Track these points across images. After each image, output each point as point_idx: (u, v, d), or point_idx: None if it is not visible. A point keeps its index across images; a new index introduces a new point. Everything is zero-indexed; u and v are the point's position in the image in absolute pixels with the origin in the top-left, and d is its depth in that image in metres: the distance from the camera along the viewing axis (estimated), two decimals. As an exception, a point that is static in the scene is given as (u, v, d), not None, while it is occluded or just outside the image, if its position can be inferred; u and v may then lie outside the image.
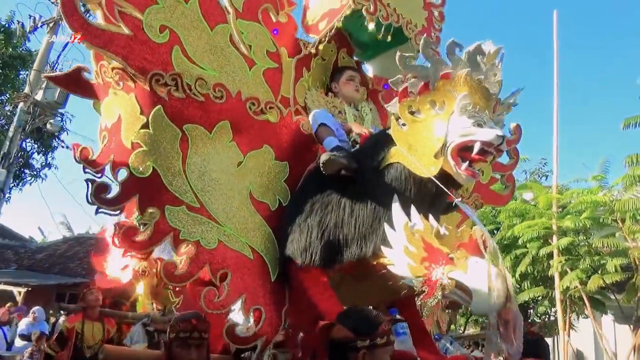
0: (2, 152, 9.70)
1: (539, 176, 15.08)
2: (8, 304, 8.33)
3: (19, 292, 10.41)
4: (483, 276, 2.01)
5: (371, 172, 2.42)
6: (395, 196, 2.30)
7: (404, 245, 2.19)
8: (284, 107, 2.67)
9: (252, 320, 2.41)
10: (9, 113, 12.34)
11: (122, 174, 2.29)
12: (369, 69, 3.44)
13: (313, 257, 2.40)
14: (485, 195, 3.41)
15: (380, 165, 2.41)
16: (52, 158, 13.53)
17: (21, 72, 13.24)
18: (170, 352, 2.16)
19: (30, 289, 10.39)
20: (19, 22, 12.41)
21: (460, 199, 2.26)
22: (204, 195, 2.39)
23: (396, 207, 2.29)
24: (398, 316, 2.44)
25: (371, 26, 2.77)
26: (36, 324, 7.15)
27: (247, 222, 2.49)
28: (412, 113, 2.35)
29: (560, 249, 8.79)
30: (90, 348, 4.55)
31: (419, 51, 2.57)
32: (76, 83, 2.51)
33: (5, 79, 12.78)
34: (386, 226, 2.26)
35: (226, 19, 2.55)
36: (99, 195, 2.24)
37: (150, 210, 2.28)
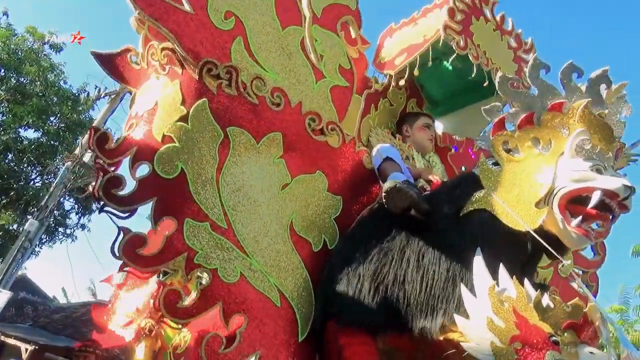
0: (39, 205, 9.76)
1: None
2: None
3: (26, 350, 9.88)
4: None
5: (448, 219, 1.90)
6: (479, 251, 1.76)
7: (487, 316, 1.62)
8: (347, 133, 2.26)
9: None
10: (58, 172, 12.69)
11: (143, 170, 1.86)
12: (439, 126, 3.07)
13: (360, 316, 1.82)
14: (563, 292, 2.77)
15: (460, 212, 1.90)
16: (88, 220, 13.64)
17: (78, 137, 13.76)
18: None
19: (37, 347, 9.82)
20: (85, 90, 13.18)
21: (570, 262, 1.70)
22: (235, 215, 1.91)
23: (479, 265, 1.74)
24: None
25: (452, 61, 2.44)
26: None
27: (280, 259, 1.97)
28: (508, 151, 1.89)
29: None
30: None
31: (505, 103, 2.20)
32: (119, 66, 2.19)
33: (63, 141, 13.25)
34: (464, 289, 1.70)
35: (301, 22, 2.26)
36: (109, 190, 1.79)
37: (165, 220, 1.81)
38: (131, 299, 3.44)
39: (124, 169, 1.93)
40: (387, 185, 1.90)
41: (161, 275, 2.45)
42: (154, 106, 1.96)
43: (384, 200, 1.92)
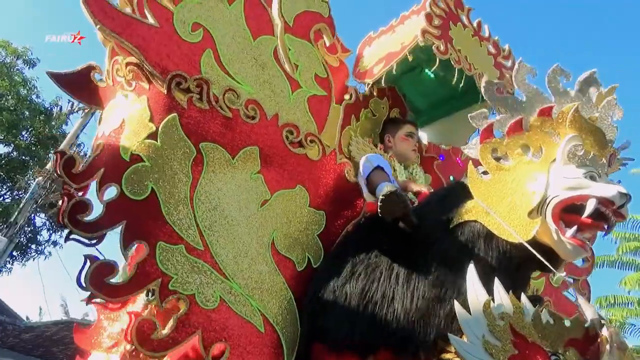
0: (9, 222, 9.44)
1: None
2: None
3: (-8, 373, 9.51)
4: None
5: (437, 231, 1.81)
6: (471, 265, 1.67)
7: (482, 335, 1.53)
8: (328, 145, 2.16)
9: None
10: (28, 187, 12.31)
11: (111, 192, 1.73)
12: (423, 136, 3.00)
13: (350, 336, 1.71)
14: (556, 302, 2.71)
15: (450, 223, 1.81)
16: (60, 236, 13.16)
17: (50, 152, 13.38)
18: None
19: (3, 369, 9.47)
20: (57, 104, 12.85)
21: (564, 274, 1.62)
22: (212, 235, 1.79)
23: (472, 279, 1.65)
24: None
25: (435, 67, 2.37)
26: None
27: (263, 280, 1.85)
28: (497, 159, 1.81)
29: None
30: None
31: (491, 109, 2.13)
32: (82, 85, 2.05)
33: (35, 156, 12.87)
34: (456, 305, 1.60)
35: (272, 31, 2.16)
36: (75, 216, 1.66)
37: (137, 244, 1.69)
38: (116, 319, 3.23)
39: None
40: (386, 189, 1.80)
41: (149, 294, 2.29)
42: (121, 124, 1.83)
43: (379, 205, 1.82)
